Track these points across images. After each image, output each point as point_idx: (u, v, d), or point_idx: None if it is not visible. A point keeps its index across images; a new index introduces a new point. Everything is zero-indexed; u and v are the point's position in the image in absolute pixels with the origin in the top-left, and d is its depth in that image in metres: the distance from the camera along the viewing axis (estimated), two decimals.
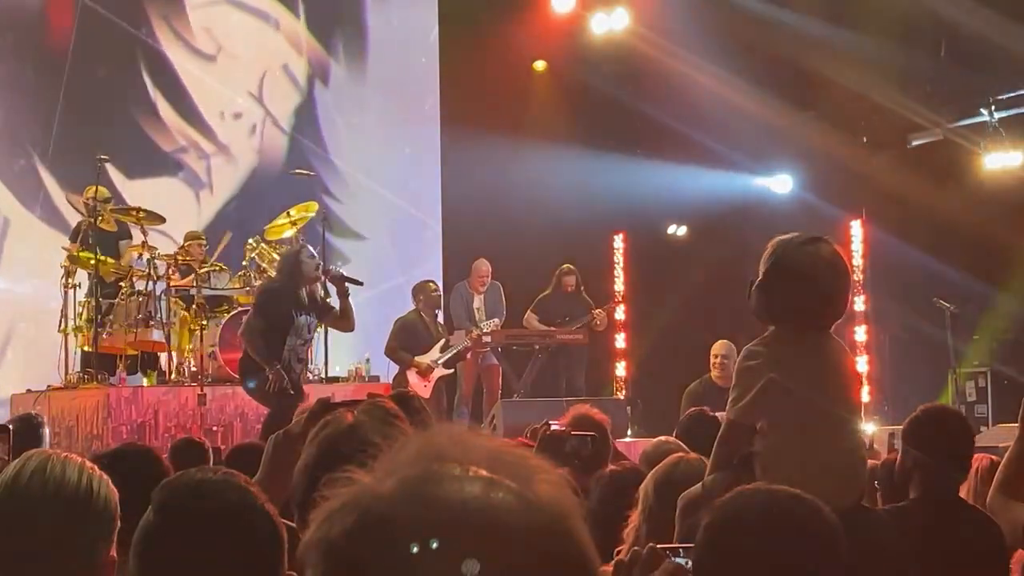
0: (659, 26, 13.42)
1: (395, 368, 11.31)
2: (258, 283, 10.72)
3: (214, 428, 10.06)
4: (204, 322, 10.60)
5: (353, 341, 11.03)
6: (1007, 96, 12.25)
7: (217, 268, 11.10)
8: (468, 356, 11.40)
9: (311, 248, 9.61)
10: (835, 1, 12.76)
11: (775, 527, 2.22)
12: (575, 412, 4.80)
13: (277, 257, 10.60)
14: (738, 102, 13.10)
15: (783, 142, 13.70)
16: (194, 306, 10.71)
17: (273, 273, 10.12)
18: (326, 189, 13.81)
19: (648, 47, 13.48)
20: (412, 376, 10.97)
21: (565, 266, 11.98)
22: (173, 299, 10.83)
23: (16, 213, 12.83)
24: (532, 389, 11.72)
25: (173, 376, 10.89)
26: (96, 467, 2.47)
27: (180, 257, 11.15)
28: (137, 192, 12.42)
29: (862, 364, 12.61)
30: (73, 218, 12.25)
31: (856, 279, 12.62)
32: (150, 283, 10.72)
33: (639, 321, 14.31)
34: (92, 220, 10.79)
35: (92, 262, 10.60)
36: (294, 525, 2.37)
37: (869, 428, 9.53)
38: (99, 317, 10.66)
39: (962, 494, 4.83)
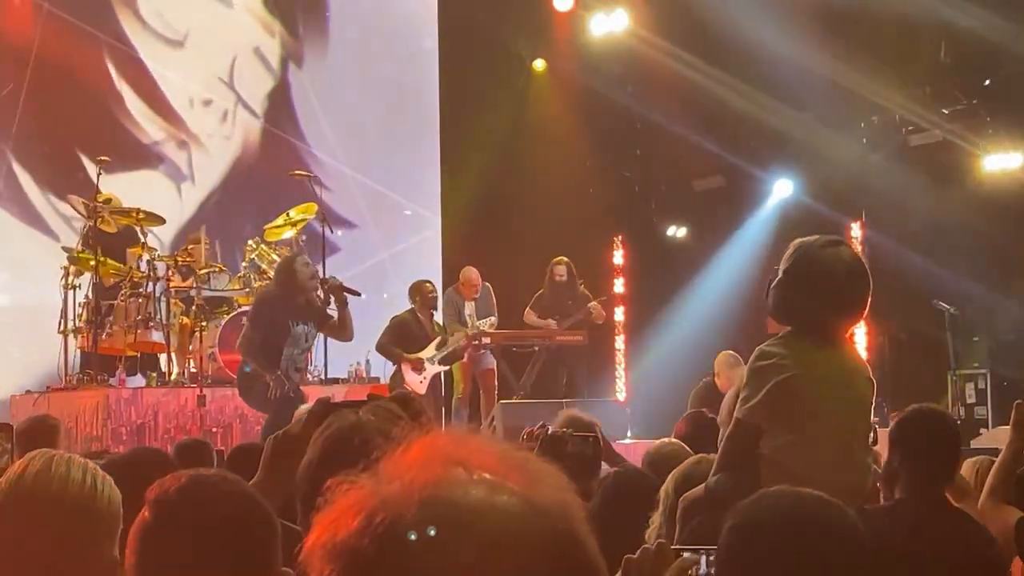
0: (658, 27, 13.43)
1: (392, 368, 11.31)
2: (257, 285, 10.72)
3: (214, 429, 10.06)
4: (204, 323, 10.61)
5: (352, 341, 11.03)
6: (1007, 97, 12.25)
7: (217, 269, 11.10)
8: (465, 356, 11.40)
9: (307, 256, 9.59)
10: (834, 1, 12.76)
11: (801, 530, 2.21)
12: (565, 416, 4.80)
13: (276, 258, 10.60)
14: (739, 105, 13.10)
15: (783, 144, 13.69)
16: (194, 307, 10.71)
17: (272, 275, 10.10)
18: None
19: (647, 48, 13.49)
20: (408, 374, 10.97)
21: (555, 258, 12.00)
22: (173, 300, 10.83)
23: None
24: (532, 390, 11.72)
25: (173, 377, 10.89)
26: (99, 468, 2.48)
27: (180, 258, 11.15)
28: (114, 187, 11.83)
29: None
30: (50, 217, 12.23)
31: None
32: (150, 284, 10.72)
33: (638, 322, 14.32)
34: (93, 222, 10.78)
35: (92, 263, 10.59)
36: (293, 526, 2.38)
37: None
38: (99, 318, 10.66)
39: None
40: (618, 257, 15.04)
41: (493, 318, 11.62)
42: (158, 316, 10.65)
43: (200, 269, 10.98)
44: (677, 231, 14.93)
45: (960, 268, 12.10)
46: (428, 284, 11.49)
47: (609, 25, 13.80)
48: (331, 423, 2.43)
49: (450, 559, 0.99)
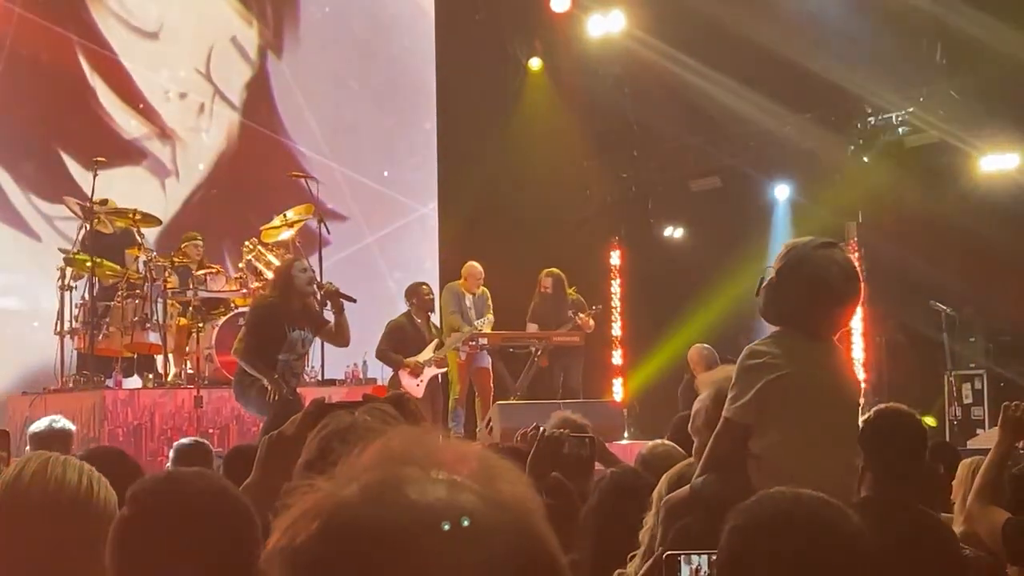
0: (654, 28, 13.44)
1: (390, 371, 11.32)
2: (254, 286, 10.71)
3: (210, 430, 10.04)
4: (201, 324, 10.60)
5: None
6: (1003, 98, 12.25)
7: (214, 270, 11.09)
8: (462, 357, 11.40)
9: (304, 261, 9.58)
10: (834, 2, 12.77)
11: (802, 530, 2.21)
12: (557, 418, 4.79)
13: (273, 260, 10.59)
14: (736, 106, 13.11)
15: (780, 145, 13.70)
16: (191, 308, 10.70)
17: (269, 276, 10.09)
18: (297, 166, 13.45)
19: (643, 49, 13.50)
20: (405, 377, 10.98)
21: (545, 270, 12.03)
22: (169, 302, 10.82)
23: None
24: (529, 391, 11.72)
25: (169, 378, 10.88)
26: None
27: (176, 259, 11.14)
28: (99, 185, 11.20)
29: (857, 367, 12.62)
30: (33, 219, 12.20)
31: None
32: (146, 285, 10.70)
33: (634, 323, 14.32)
34: (89, 224, 10.76)
35: (88, 265, 10.58)
36: None
37: None
38: (95, 319, 10.65)
39: (954, 496, 4.84)
40: (615, 257, 15.04)
41: (490, 316, 11.64)
42: (155, 317, 10.63)
43: (196, 270, 10.97)
44: (674, 232, 14.94)
45: (957, 269, 12.11)
46: (425, 286, 11.48)
47: (606, 26, 13.81)
48: (326, 424, 2.43)
49: (409, 559, 0.98)
